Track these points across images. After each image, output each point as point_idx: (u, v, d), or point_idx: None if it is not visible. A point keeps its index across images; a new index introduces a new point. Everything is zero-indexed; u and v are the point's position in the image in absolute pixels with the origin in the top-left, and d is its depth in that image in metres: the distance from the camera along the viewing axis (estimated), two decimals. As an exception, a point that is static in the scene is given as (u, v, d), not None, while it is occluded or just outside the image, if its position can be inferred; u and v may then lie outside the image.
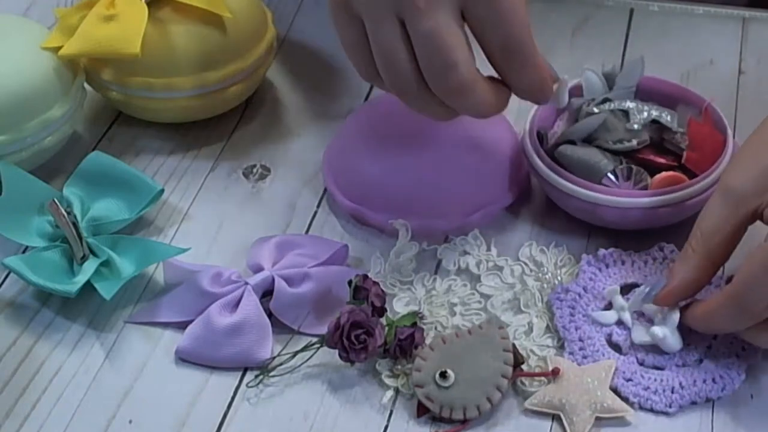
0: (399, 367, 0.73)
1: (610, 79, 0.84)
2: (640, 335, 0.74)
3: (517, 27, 0.73)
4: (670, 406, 0.71)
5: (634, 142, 0.80)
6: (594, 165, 0.79)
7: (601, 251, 0.79)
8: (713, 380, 0.72)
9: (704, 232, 0.73)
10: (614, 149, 0.80)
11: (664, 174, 0.79)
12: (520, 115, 0.88)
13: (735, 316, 0.70)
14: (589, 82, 0.84)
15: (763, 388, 0.73)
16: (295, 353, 0.73)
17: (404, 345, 0.73)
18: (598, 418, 0.70)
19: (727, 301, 0.70)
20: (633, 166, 0.80)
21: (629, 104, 0.82)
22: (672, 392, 0.72)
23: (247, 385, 0.73)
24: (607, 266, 0.79)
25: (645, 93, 0.84)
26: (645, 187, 0.79)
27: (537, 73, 0.75)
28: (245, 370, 0.74)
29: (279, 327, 0.76)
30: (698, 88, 0.86)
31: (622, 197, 0.78)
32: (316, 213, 0.84)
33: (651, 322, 0.74)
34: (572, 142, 0.81)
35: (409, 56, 0.73)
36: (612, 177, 0.79)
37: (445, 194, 0.81)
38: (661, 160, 0.81)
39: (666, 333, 0.73)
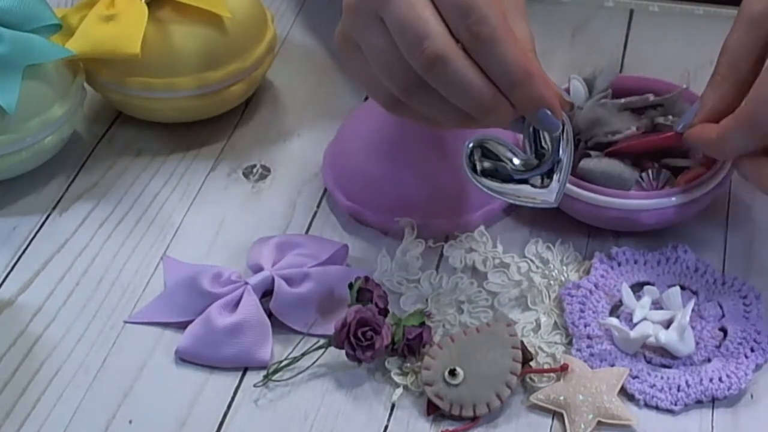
0: (408, 365, 0.73)
1: (590, 85, 0.84)
2: (652, 338, 0.74)
3: (480, 7, 0.69)
4: (676, 404, 0.71)
5: (633, 128, 0.80)
6: (617, 177, 0.79)
7: (614, 249, 0.79)
8: (720, 379, 0.72)
9: (731, 59, 0.76)
10: (612, 140, 0.80)
11: (689, 173, 0.80)
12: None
13: (747, 135, 0.73)
14: (575, 90, 0.84)
15: (763, 388, 0.73)
16: (302, 354, 0.73)
17: (413, 344, 0.73)
18: (600, 423, 0.70)
19: (741, 121, 0.73)
20: (655, 170, 0.80)
21: (606, 101, 0.82)
22: (678, 390, 0.72)
23: (254, 385, 0.73)
24: (619, 264, 0.79)
25: (645, 92, 0.84)
26: (672, 186, 0.80)
27: (517, 67, 0.70)
28: (245, 370, 0.74)
29: (279, 327, 0.76)
30: (698, 88, 0.86)
31: (655, 198, 0.78)
32: (316, 213, 0.85)
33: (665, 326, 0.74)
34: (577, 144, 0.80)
35: (392, 47, 0.71)
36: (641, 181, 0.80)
37: (445, 194, 0.81)
38: (660, 137, 0.80)
39: (676, 339, 0.73)
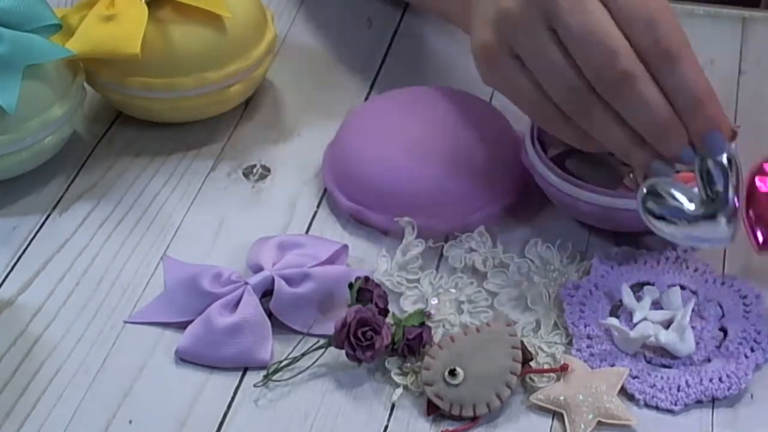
0: (408, 365, 0.73)
1: None
2: (652, 338, 0.74)
3: (666, 23, 0.69)
4: (676, 404, 0.71)
5: None
6: (609, 172, 0.79)
7: (614, 249, 0.79)
8: (720, 379, 0.72)
9: None
10: None
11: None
12: (519, 116, 0.88)
13: None
14: None
15: (763, 388, 0.73)
16: (302, 354, 0.73)
17: (413, 344, 0.73)
18: (600, 423, 0.70)
19: None
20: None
21: None
22: (678, 390, 0.72)
23: (254, 385, 0.73)
24: (619, 264, 0.79)
25: None
26: None
27: (700, 85, 0.69)
28: (245, 370, 0.74)
29: (279, 327, 0.76)
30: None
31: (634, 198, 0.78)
32: (316, 213, 0.84)
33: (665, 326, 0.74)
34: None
35: (569, 61, 0.70)
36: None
37: (446, 194, 0.81)
38: None
39: (676, 339, 0.73)
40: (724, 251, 0.81)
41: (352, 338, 0.71)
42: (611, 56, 0.69)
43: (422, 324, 0.73)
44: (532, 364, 0.73)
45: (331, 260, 0.79)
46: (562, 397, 0.71)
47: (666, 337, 0.73)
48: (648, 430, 0.71)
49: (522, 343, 0.72)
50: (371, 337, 0.72)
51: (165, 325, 0.77)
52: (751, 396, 0.73)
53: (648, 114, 0.70)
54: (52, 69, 0.85)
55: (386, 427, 0.71)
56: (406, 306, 0.77)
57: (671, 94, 0.70)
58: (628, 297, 0.75)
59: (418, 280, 0.78)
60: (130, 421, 0.72)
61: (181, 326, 0.76)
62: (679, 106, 0.70)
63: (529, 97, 0.74)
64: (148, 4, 0.86)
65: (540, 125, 0.75)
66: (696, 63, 0.70)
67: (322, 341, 0.73)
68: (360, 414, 0.72)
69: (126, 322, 0.77)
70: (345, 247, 0.80)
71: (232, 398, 0.73)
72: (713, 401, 0.72)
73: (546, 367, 0.73)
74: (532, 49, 0.71)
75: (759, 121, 0.90)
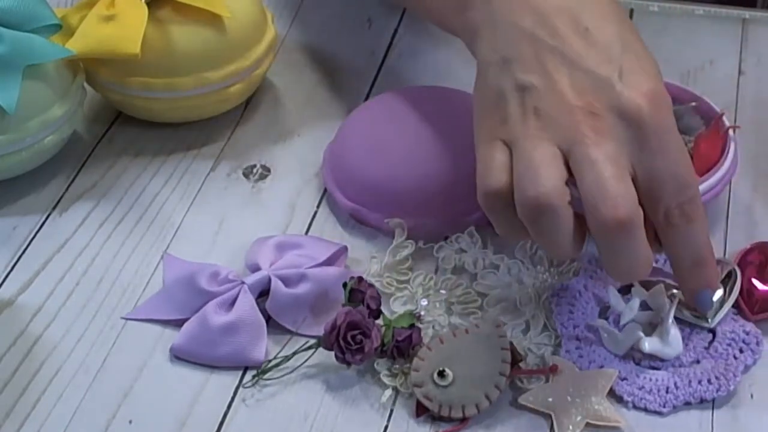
0: (397, 366, 0.73)
1: None
2: (640, 344, 0.74)
3: (694, 185, 0.71)
4: (664, 406, 0.71)
5: None
6: None
7: None
8: (708, 381, 0.72)
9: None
10: None
11: None
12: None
13: None
14: None
15: (763, 388, 0.73)
16: (293, 354, 0.73)
17: (402, 346, 0.73)
18: (588, 424, 0.70)
19: None
20: None
21: None
22: (666, 392, 0.72)
23: (243, 386, 0.73)
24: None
25: None
26: None
27: (707, 247, 0.72)
28: (245, 370, 0.74)
29: (275, 327, 0.76)
30: (698, 88, 0.86)
31: None
32: (316, 213, 0.85)
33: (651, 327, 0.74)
34: None
35: (561, 174, 0.69)
36: None
37: (444, 194, 0.81)
38: None
39: (659, 345, 0.73)
40: (724, 252, 0.81)
41: (341, 341, 0.71)
42: (615, 201, 0.69)
43: (412, 325, 0.73)
44: (522, 365, 0.73)
45: (329, 261, 0.79)
46: (550, 399, 0.71)
47: (650, 346, 0.73)
48: (647, 429, 0.71)
49: (511, 344, 0.72)
50: (360, 340, 0.71)
51: (164, 324, 0.77)
52: (751, 396, 0.73)
53: (628, 262, 0.70)
54: (52, 69, 0.85)
55: (386, 428, 0.71)
56: (395, 307, 0.77)
57: (677, 247, 0.71)
58: (615, 299, 0.75)
59: (408, 281, 0.78)
60: (130, 421, 0.72)
61: (180, 325, 0.76)
62: (682, 260, 0.72)
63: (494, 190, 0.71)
64: (148, 4, 0.86)
65: (485, 210, 0.73)
66: (706, 223, 0.72)
67: (311, 342, 0.73)
68: (360, 414, 0.72)
69: (123, 318, 0.77)
70: (344, 248, 0.80)
71: (232, 398, 0.73)
72: (713, 401, 0.72)
73: (535, 368, 0.73)
74: (526, 160, 0.70)
75: (759, 121, 0.90)
